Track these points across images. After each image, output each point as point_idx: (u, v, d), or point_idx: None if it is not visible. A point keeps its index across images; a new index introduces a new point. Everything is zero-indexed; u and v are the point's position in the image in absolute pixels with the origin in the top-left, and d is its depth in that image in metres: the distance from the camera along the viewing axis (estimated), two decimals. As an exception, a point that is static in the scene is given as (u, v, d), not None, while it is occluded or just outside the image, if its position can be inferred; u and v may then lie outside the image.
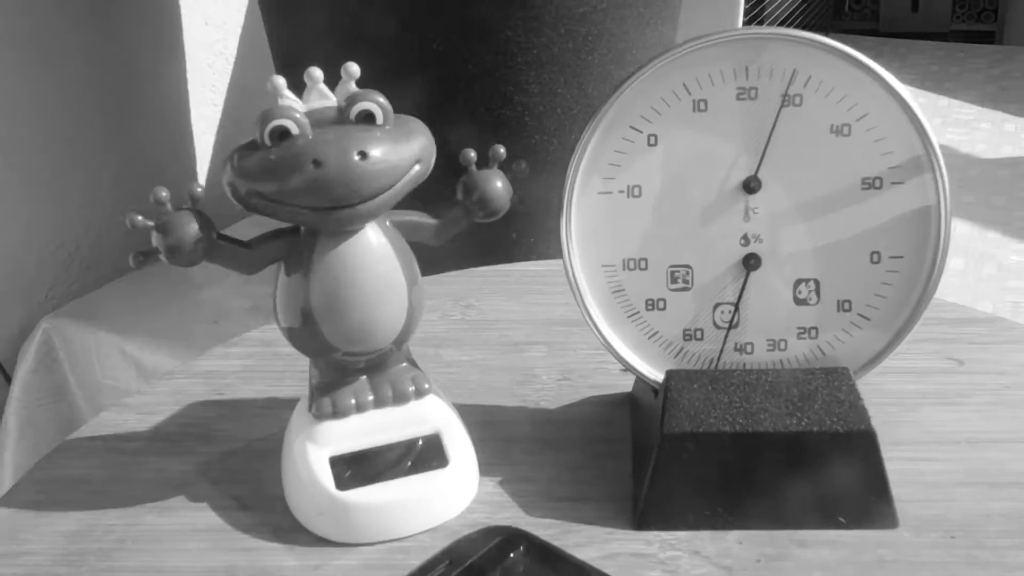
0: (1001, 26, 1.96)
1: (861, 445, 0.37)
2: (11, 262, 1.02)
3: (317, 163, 0.34)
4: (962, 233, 1.13)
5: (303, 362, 0.40)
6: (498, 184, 0.39)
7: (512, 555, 0.34)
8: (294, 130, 0.35)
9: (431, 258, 0.52)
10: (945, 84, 1.60)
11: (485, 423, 0.44)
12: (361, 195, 0.35)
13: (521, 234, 0.88)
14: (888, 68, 0.38)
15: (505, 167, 0.39)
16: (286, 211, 0.35)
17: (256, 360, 0.51)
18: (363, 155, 0.35)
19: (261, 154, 0.35)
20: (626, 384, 0.47)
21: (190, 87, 1.22)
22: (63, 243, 1.08)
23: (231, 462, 0.43)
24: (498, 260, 0.61)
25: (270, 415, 0.45)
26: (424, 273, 0.40)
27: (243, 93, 1.26)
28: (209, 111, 1.24)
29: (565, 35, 0.81)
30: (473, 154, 0.38)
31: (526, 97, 0.83)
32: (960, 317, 0.52)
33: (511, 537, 0.35)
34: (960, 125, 1.45)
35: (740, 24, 1.28)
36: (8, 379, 1.02)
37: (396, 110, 0.36)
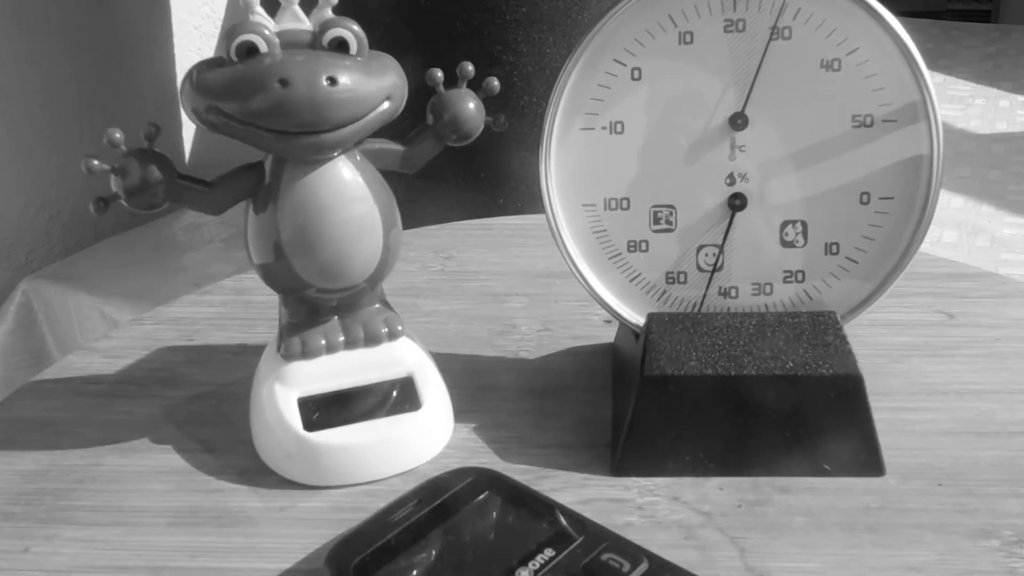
0: (997, 5, 1.95)
1: (847, 389, 0.36)
2: (-10, 223, 1.01)
3: (284, 82, 0.33)
4: (956, 206, 1.12)
5: (276, 310, 0.39)
6: (470, 104, 0.37)
7: (483, 495, 0.33)
8: (262, 47, 0.33)
9: (415, 215, 0.51)
10: (940, 61, 1.59)
11: (462, 371, 0.42)
12: (328, 122, 0.34)
13: (509, 199, 0.86)
14: None
15: (474, 85, 0.38)
16: (248, 132, 0.34)
17: (228, 308, 0.49)
18: (332, 81, 0.33)
19: (225, 69, 0.33)
20: (609, 335, 0.45)
21: (176, 51, 1.20)
22: (43, 206, 1.06)
23: (198, 406, 0.42)
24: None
25: (240, 361, 0.44)
26: (405, 227, 0.39)
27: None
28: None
29: (554, -6, 0.80)
30: (440, 74, 0.37)
31: (514, 57, 0.82)
32: (951, 272, 0.51)
33: (483, 477, 0.33)
34: (955, 101, 1.43)
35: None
36: (-14, 341, 1.00)
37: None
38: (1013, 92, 1.46)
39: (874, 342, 0.44)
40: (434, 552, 0.30)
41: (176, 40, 1.19)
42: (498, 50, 0.81)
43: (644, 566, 0.29)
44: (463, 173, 0.85)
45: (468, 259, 0.54)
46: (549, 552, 0.30)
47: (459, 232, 0.57)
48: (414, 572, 0.30)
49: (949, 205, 1.12)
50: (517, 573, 0.29)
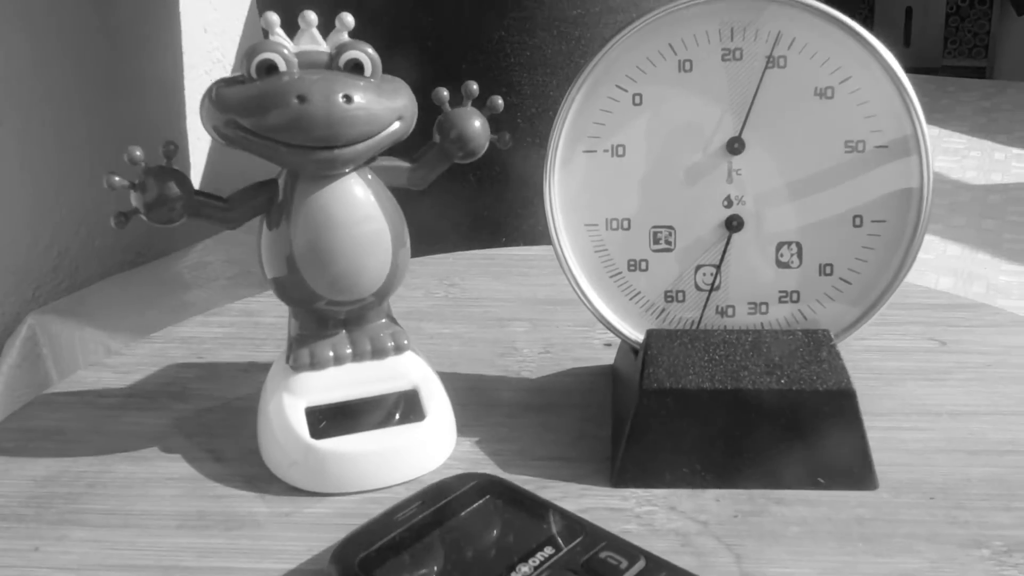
0: (992, 62, 1.99)
1: (841, 404, 0.37)
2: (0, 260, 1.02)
3: (302, 99, 0.34)
4: (952, 254, 1.13)
5: (283, 332, 0.40)
6: (475, 122, 0.39)
7: (485, 498, 0.33)
8: (281, 66, 0.35)
9: (430, 238, 0.52)
10: (935, 115, 1.61)
11: (465, 388, 0.43)
12: (342, 138, 0.35)
13: (511, 238, 0.88)
14: None
15: (479, 104, 0.39)
16: (265, 147, 0.35)
17: (237, 328, 0.51)
18: (348, 98, 0.35)
19: (245, 86, 0.35)
20: (609, 357, 0.46)
21: (187, 93, 1.22)
22: (51, 243, 1.08)
23: (207, 418, 0.43)
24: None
25: (248, 377, 0.45)
26: (414, 253, 0.40)
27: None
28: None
29: (558, 37, 0.82)
30: (446, 93, 0.38)
31: (518, 99, 0.84)
32: (945, 303, 0.52)
33: (485, 482, 0.34)
34: (950, 153, 1.46)
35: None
36: (-9, 374, 1.01)
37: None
38: (1008, 145, 1.49)
39: (869, 367, 0.45)
40: (437, 549, 0.31)
41: (186, 83, 1.22)
42: (503, 92, 0.81)
43: (641, 563, 0.30)
44: (466, 211, 0.86)
45: (471, 286, 0.55)
46: (549, 550, 0.31)
47: (462, 261, 0.58)
48: (417, 567, 0.30)
49: (945, 253, 1.13)
50: (518, 569, 0.30)
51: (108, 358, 0.48)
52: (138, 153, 0.36)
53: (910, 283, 0.55)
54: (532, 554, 0.30)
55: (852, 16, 0.38)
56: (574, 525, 0.32)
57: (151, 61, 1.17)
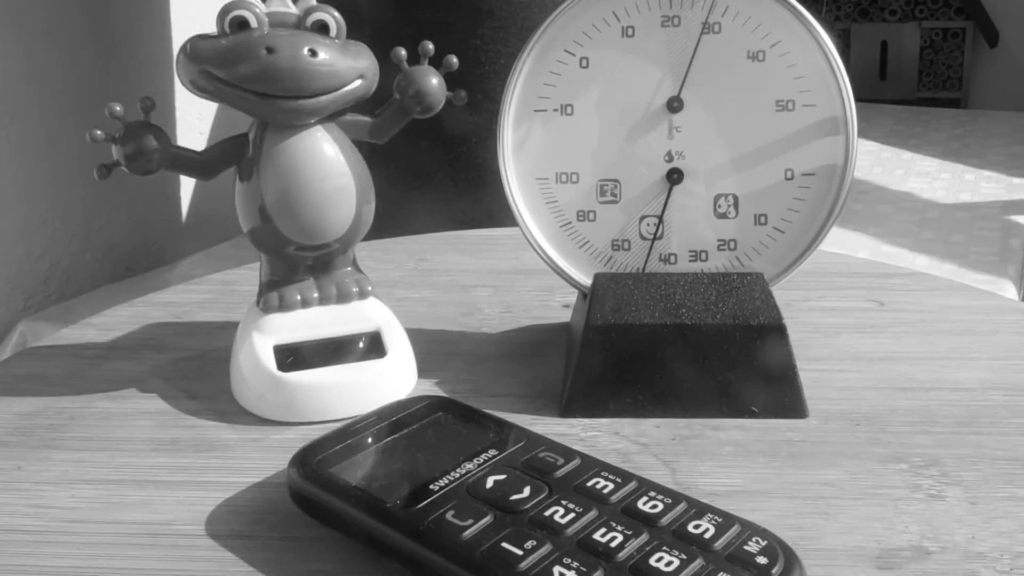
0: (966, 93, 2.04)
1: (772, 337, 0.40)
2: (-9, 268, 1.05)
3: (270, 50, 0.37)
4: (921, 265, 1.17)
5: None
6: (432, 80, 0.42)
7: (437, 414, 0.36)
8: (253, 22, 0.38)
9: (405, 224, 0.55)
10: (910, 141, 1.66)
11: (428, 341, 0.46)
12: (307, 89, 0.38)
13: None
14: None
15: (435, 63, 0.42)
16: (236, 95, 0.38)
17: (215, 295, 0.53)
18: (313, 52, 0.38)
19: (218, 40, 0.38)
20: (567, 316, 0.49)
21: (177, 114, 1.26)
22: (43, 255, 1.11)
23: (183, 366, 0.45)
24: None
25: (224, 333, 0.48)
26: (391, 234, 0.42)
27: (231, 123, 1.30)
28: (195, 138, 1.28)
29: (531, 45, 0.86)
30: (404, 52, 0.42)
31: (493, 104, 0.86)
32: (886, 272, 0.55)
33: (438, 401, 0.37)
34: (922, 175, 1.50)
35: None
36: (-19, 380, 1.03)
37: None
38: (978, 167, 1.53)
39: (808, 322, 0.48)
40: (390, 451, 0.34)
41: (177, 104, 1.26)
42: (478, 98, 0.85)
43: (576, 461, 0.32)
44: (446, 214, 0.89)
45: (440, 260, 0.58)
46: (493, 452, 0.33)
47: (432, 240, 0.61)
48: (371, 466, 0.33)
49: (914, 263, 1.17)
50: (463, 466, 0.32)
51: (91, 318, 0.50)
52: (118, 108, 0.39)
53: (856, 256, 0.58)
54: (477, 455, 0.33)
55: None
56: (518, 433, 0.34)
57: (144, 77, 1.21)
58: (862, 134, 0.42)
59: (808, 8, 0.42)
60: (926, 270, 1.16)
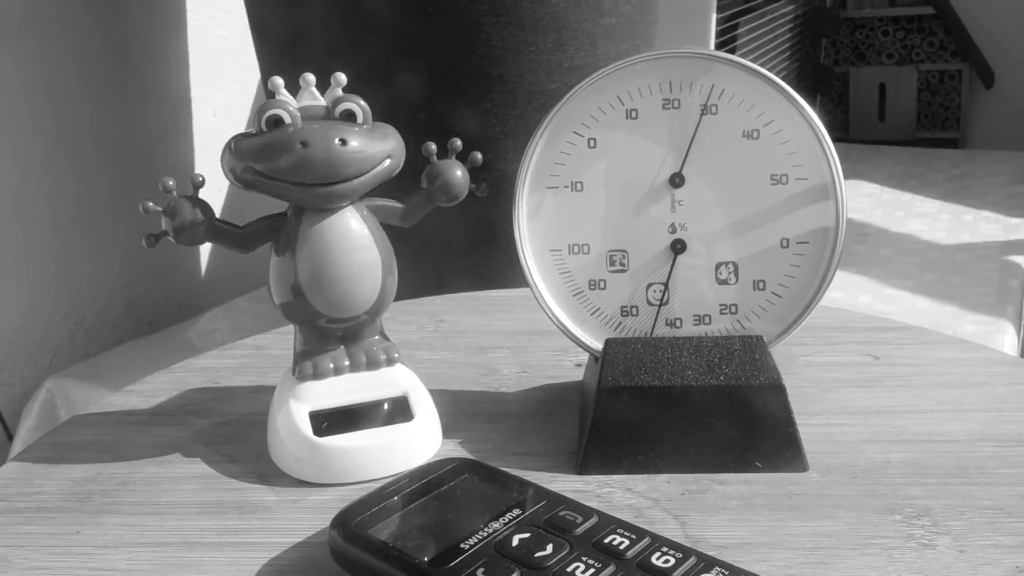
0: (963, 133, 2.08)
1: (773, 396, 0.43)
2: (20, 328, 1.08)
3: (304, 144, 0.41)
4: (921, 307, 1.20)
5: (290, 362, 0.46)
6: (457, 172, 0.45)
7: (464, 476, 0.39)
8: (287, 119, 0.42)
9: (441, 280, 0.58)
10: (909, 183, 1.70)
11: (451, 401, 0.49)
12: (340, 175, 0.42)
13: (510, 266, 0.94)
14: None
15: (462, 157, 0.46)
16: (276, 186, 0.42)
17: (248, 360, 0.56)
18: (343, 142, 0.42)
19: (257, 137, 0.41)
20: (580, 375, 0.52)
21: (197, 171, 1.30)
22: (68, 313, 1.14)
23: (223, 430, 0.48)
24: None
25: (259, 397, 0.51)
26: (419, 294, 0.45)
27: (244, 198, 1.34)
28: (214, 197, 1.33)
29: (538, 108, 0.90)
30: (434, 146, 0.45)
31: (504, 164, 0.91)
32: (881, 326, 0.58)
33: (465, 463, 0.40)
34: (923, 217, 1.53)
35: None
36: (10, 436, 1.06)
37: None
38: (978, 208, 1.57)
39: (808, 377, 0.51)
40: (421, 512, 0.37)
41: (197, 164, 1.30)
42: (489, 157, 0.89)
43: (594, 519, 0.35)
44: (460, 268, 0.93)
45: (458, 322, 0.61)
46: (516, 512, 0.36)
47: (451, 302, 0.64)
48: (405, 526, 0.36)
49: (915, 307, 1.20)
50: (489, 525, 0.35)
51: (133, 386, 0.53)
52: (171, 183, 0.42)
53: (853, 311, 0.61)
54: (502, 514, 0.36)
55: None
56: (539, 493, 0.37)
57: (168, 148, 1.25)
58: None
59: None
60: (927, 312, 1.19)
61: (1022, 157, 1.84)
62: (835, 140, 0.45)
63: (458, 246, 0.92)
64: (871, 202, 1.57)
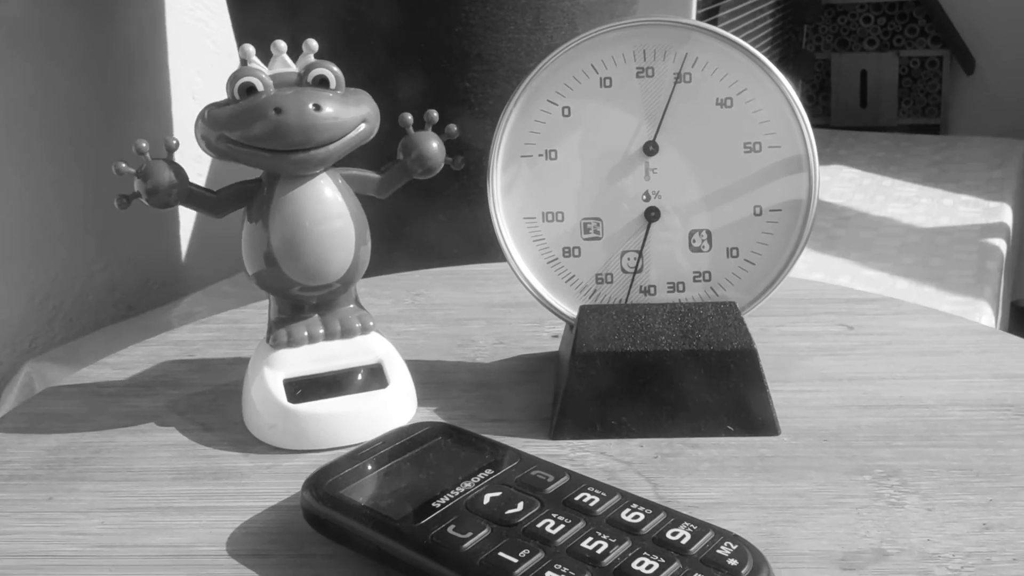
0: (944, 119, 2.09)
1: (745, 361, 0.43)
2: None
3: (278, 111, 0.41)
4: (901, 288, 1.20)
5: (264, 336, 0.46)
6: (433, 144, 0.45)
7: (437, 438, 0.39)
8: (259, 87, 0.41)
9: (419, 254, 0.58)
10: (890, 168, 1.70)
11: (427, 371, 0.49)
12: (314, 141, 0.42)
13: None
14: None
15: (438, 129, 0.46)
16: (250, 154, 0.41)
17: (224, 333, 0.56)
18: (317, 107, 0.41)
19: (230, 106, 0.41)
20: (556, 346, 0.52)
21: (176, 157, 1.29)
22: (47, 297, 1.14)
23: (197, 400, 0.48)
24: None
25: (234, 369, 0.51)
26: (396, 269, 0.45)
27: (228, 169, 1.34)
28: (192, 166, 1.32)
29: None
30: (410, 117, 0.45)
31: (483, 144, 0.90)
32: (856, 298, 0.59)
33: (438, 427, 0.40)
34: (902, 201, 1.54)
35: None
36: (-12, 420, 1.06)
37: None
38: (957, 192, 1.57)
39: (781, 346, 0.52)
40: (395, 473, 0.37)
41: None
42: (469, 138, 0.88)
43: (565, 478, 0.36)
44: (438, 253, 0.93)
45: (435, 295, 0.61)
46: (489, 472, 0.36)
47: (428, 276, 0.64)
48: (378, 487, 0.36)
49: (894, 287, 1.20)
50: (462, 485, 0.35)
51: (107, 358, 0.53)
52: (144, 144, 0.42)
53: (826, 283, 0.62)
54: (475, 474, 0.36)
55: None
56: (512, 454, 0.38)
57: (147, 132, 1.24)
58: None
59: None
60: (906, 293, 1.19)
61: (1001, 142, 1.85)
62: (817, 126, 0.45)
63: (436, 224, 0.92)
64: (852, 187, 1.58)
